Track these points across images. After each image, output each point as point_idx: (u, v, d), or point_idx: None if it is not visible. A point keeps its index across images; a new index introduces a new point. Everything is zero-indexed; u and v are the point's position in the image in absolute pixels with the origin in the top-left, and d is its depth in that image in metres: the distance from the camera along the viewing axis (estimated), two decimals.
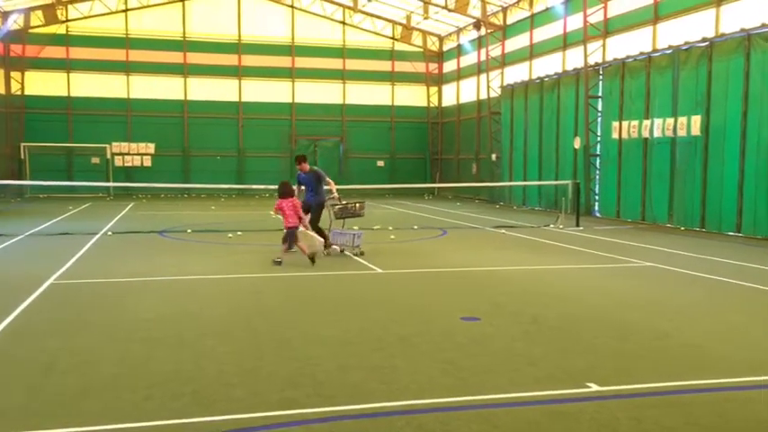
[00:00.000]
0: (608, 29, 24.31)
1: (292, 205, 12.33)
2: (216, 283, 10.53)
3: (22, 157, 33.70)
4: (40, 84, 34.65)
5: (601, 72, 23.82)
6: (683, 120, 19.01)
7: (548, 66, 28.06)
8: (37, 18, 34.24)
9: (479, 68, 34.03)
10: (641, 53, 21.31)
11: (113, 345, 6.88)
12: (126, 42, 35.24)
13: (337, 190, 14.14)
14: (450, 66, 38.50)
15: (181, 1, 35.85)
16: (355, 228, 16.24)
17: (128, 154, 35.36)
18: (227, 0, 36.50)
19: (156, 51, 35.62)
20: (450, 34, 37.81)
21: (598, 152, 23.98)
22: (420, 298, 9.46)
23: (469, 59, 35.70)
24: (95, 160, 34.97)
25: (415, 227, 19.51)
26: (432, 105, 39.86)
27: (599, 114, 23.90)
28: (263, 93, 37.24)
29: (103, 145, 34.86)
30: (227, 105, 36.80)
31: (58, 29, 34.54)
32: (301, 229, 12.76)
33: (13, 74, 34.10)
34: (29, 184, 31.17)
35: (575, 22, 26.09)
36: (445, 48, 39.01)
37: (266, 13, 37.05)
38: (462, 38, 36.41)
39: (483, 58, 32.99)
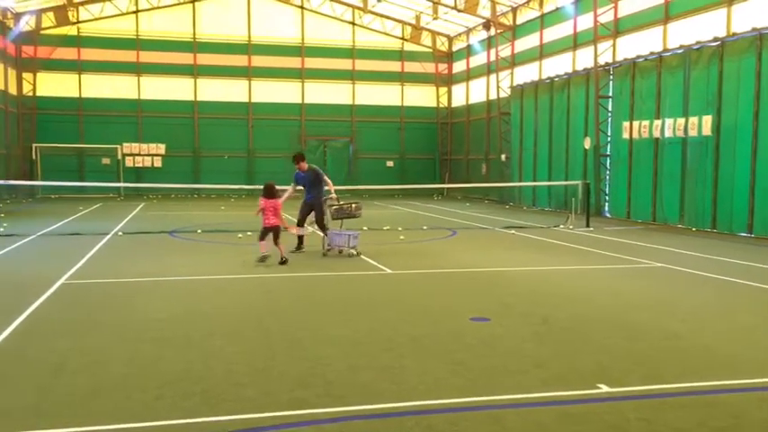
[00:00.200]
0: (618, 29, 24.21)
1: (273, 206, 12.39)
2: (226, 284, 10.56)
3: (34, 157, 33.94)
4: (52, 85, 34.87)
5: (611, 72, 23.73)
6: (694, 120, 18.91)
7: (558, 66, 27.97)
8: (48, 19, 34.46)
9: (489, 69, 33.97)
10: (652, 53, 21.21)
11: (123, 345, 6.91)
12: (136, 43, 35.41)
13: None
14: (459, 66, 38.45)
15: (191, 2, 35.99)
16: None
17: (138, 155, 35.53)
18: (237, 1, 36.61)
19: (166, 52, 35.77)
20: (459, 34, 37.77)
21: (608, 152, 23.89)
22: (429, 298, 9.45)
23: (479, 60, 35.65)
24: (106, 161, 35.16)
25: (425, 227, 19.49)
26: (441, 106, 39.82)
27: (609, 114, 23.81)
28: (273, 93, 37.33)
29: (114, 146, 35.05)
30: (237, 106, 36.90)
31: (70, 30, 34.74)
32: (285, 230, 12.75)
33: (24, 75, 34.35)
34: (40, 184, 31.41)
35: (585, 21, 26.00)
36: (455, 48, 38.97)
37: (276, 14, 37.13)
38: (472, 38, 36.35)
39: (492, 58, 32.93)
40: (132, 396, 5.39)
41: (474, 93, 36.64)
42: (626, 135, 21.96)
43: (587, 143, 24.47)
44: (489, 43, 33.66)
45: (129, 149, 35.46)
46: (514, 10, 31.44)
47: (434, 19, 36.13)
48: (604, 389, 5.60)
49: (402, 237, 17.08)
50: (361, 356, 6.53)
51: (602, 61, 24.05)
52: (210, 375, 5.90)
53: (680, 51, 19.92)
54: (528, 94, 29.00)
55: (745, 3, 18.65)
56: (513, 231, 18.61)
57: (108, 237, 16.42)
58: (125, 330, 7.49)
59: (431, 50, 39.26)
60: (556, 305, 8.89)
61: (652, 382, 5.83)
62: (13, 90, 32.92)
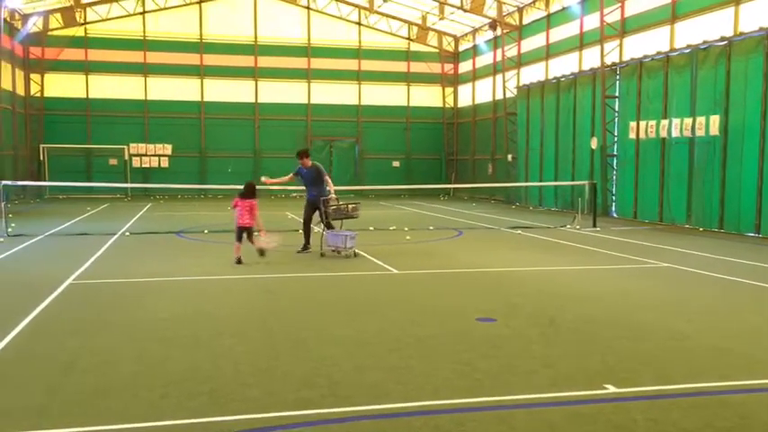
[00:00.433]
0: (625, 28, 24.16)
1: (249, 206, 12.50)
2: (232, 284, 10.58)
3: (42, 158, 34.09)
4: (59, 86, 35.02)
5: (618, 72, 23.66)
6: (701, 120, 18.84)
7: (564, 66, 27.93)
8: (56, 21, 34.61)
9: (495, 69, 33.94)
10: (659, 53, 21.15)
11: (132, 344, 6.93)
12: (143, 44, 35.52)
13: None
14: (465, 66, 38.43)
15: (198, 3, 36.08)
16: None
17: (145, 155, 35.64)
18: (244, 2, 36.68)
19: (172, 53, 35.87)
20: (465, 35, 37.74)
21: (615, 152, 23.83)
22: (436, 299, 9.45)
23: (485, 60, 35.62)
24: (113, 161, 35.28)
25: (431, 227, 19.48)
26: (447, 106, 39.80)
27: (616, 114, 23.75)
28: (279, 94, 37.38)
29: (121, 146, 35.19)
30: (244, 106, 36.97)
31: (77, 31, 34.88)
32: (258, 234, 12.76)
33: (32, 76, 34.50)
34: (48, 185, 31.51)
35: (591, 21, 25.95)
36: (461, 48, 38.94)
37: (282, 15, 37.18)
38: (478, 38, 36.32)
39: (499, 58, 32.90)
40: (140, 395, 5.40)
41: (480, 93, 36.61)
42: (633, 135, 21.90)
43: (594, 143, 24.42)
44: (495, 43, 33.63)
45: (136, 150, 35.58)
46: (521, 10, 31.39)
47: (440, 19, 36.12)
48: (611, 389, 5.59)
49: (408, 237, 17.08)
50: (368, 357, 6.53)
51: (608, 61, 23.99)
52: (217, 375, 5.91)
53: (687, 51, 19.85)
54: (534, 94, 28.95)
55: (752, 2, 18.58)
56: (519, 231, 18.58)
57: (115, 237, 16.48)
58: (133, 330, 7.51)
59: (437, 51, 39.25)
60: (562, 305, 8.88)
61: (659, 382, 5.81)
62: (20, 91, 33.07)
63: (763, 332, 7.63)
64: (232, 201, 12.95)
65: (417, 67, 38.99)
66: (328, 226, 13.75)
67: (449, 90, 39.68)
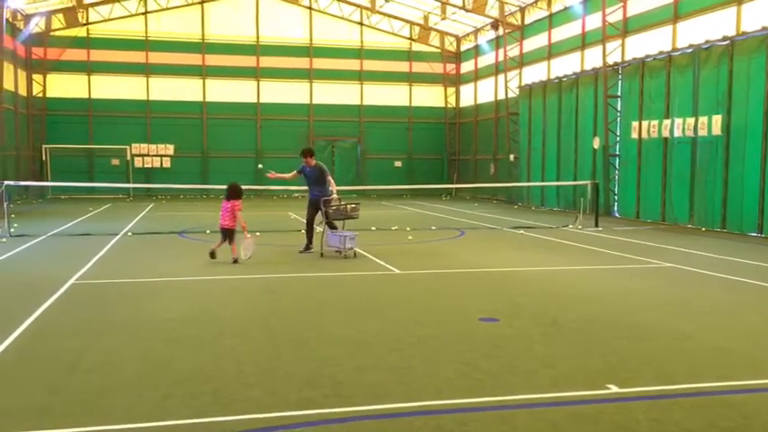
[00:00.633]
0: (627, 28, 24.13)
1: (231, 207, 12.55)
2: (235, 284, 10.59)
3: (44, 158, 34.14)
4: (62, 86, 35.06)
5: (620, 71, 23.65)
6: (703, 119, 18.82)
7: (566, 65, 27.91)
8: (58, 21, 34.65)
9: (497, 69, 33.93)
10: (661, 52, 21.13)
11: (134, 344, 6.94)
12: (145, 45, 35.55)
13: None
14: (467, 66, 38.42)
15: (199, 3, 36.10)
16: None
17: (147, 155, 35.68)
18: (246, 2, 36.70)
19: (175, 53, 35.90)
20: (467, 34, 37.73)
21: (617, 152, 23.81)
22: (438, 299, 9.44)
23: (487, 60, 35.60)
24: (115, 161, 35.33)
25: (433, 227, 19.48)
26: (449, 106, 39.79)
27: (618, 114, 23.72)
28: (281, 94, 37.40)
29: (123, 146, 35.22)
30: (246, 107, 36.99)
31: (79, 32, 34.93)
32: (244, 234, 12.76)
33: (34, 76, 34.55)
34: (50, 185, 31.59)
35: (593, 21, 25.93)
36: (463, 48, 38.93)
37: (284, 15, 37.20)
38: (480, 38, 36.31)
39: (501, 58, 32.89)
40: (144, 395, 5.41)
41: (482, 93, 36.59)
42: (635, 135, 21.88)
43: (596, 143, 24.40)
44: (497, 43, 33.62)
45: (138, 150, 35.62)
46: (523, 10, 31.38)
47: (442, 19, 36.11)
48: (614, 389, 5.58)
49: (410, 237, 17.07)
50: (369, 357, 6.53)
51: (610, 61, 23.97)
52: (220, 375, 5.92)
53: (689, 51, 19.82)
54: (536, 93, 28.94)
55: (755, 1, 18.55)
56: (521, 231, 18.57)
57: (118, 237, 16.50)
58: (135, 330, 7.52)
59: (439, 50, 39.24)
60: (565, 305, 8.87)
61: (661, 382, 5.81)
62: (23, 91, 33.11)
63: (765, 332, 7.62)
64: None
65: (419, 67, 38.99)
66: (330, 226, 13.75)
67: (451, 90, 39.67)
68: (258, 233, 17.32)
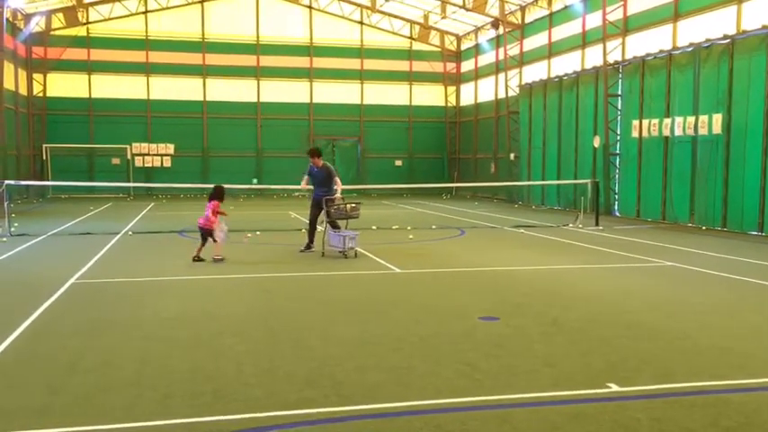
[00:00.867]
0: (627, 27, 24.11)
1: (211, 207, 12.65)
2: (234, 283, 10.58)
3: (45, 157, 34.15)
4: (62, 85, 35.08)
5: (620, 70, 23.64)
6: (704, 118, 18.81)
7: (567, 64, 27.89)
8: (58, 21, 34.65)
9: (497, 67, 33.92)
10: (661, 51, 21.11)
11: (135, 344, 6.93)
12: (146, 44, 35.56)
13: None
14: (468, 65, 38.40)
15: (200, 2, 36.10)
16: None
17: (148, 155, 35.70)
18: (246, 1, 36.69)
19: (175, 53, 35.91)
20: (468, 33, 37.71)
21: (618, 151, 23.80)
22: (438, 298, 9.44)
23: (487, 59, 35.59)
24: (116, 161, 35.34)
25: (434, 226, 19.47)
26: (449, 105, 39.78)
27: (618, 113, 23.72)
28: (282, 93, 37.41)
29: (124, 146, 35.24)
30: (246, 106, 36.99)
31: (79, 31, 34.93)
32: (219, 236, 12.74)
33: (35, 76, 34.56)
34: (51, 184, 31.60)
35: (594, 20, 25.92)
36: (463, 47, 38.91)
37: (284, 14, 37.20)
38: (480, 37, 36.29)
39: (501, 57, 32.88)
40: (143, 394, 5.41)
41: (482, 92, 36.58)
42: (635, 134, 21.87)
43: (597, 142, 24.39)
44: (498, 42, 33.61)
45: (139, 149, 35.64)
46: (523, 9, 31.37)
47: (443, 18, 36.08)
48: (614, 388, 5.58)
49: (411, 236, 17.07)
50: (369, 356, 6.53)
51: (611, 59, 23.96)
52: (219, 375, 5.92)
53: (690, 49, 19.80)
54: (537, 92, 28.92)
55: (755, 0, 18.53)
56: (522, 230, 18.56)
57: (118, 236, 16.50)
58: (136, 329, 7.52)
59: (439, 50, 39.23)
60: (565, 304, 8.86)
61: (662, 381, 5.80)
62: (23, 91, 33.12)
63: (766, 331, 7.61)
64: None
65: (420, 66, 38.98)
66: (333, 225, 13.75)
67: (451, 89, 39.66)
68: (258, 232, 17.34)
